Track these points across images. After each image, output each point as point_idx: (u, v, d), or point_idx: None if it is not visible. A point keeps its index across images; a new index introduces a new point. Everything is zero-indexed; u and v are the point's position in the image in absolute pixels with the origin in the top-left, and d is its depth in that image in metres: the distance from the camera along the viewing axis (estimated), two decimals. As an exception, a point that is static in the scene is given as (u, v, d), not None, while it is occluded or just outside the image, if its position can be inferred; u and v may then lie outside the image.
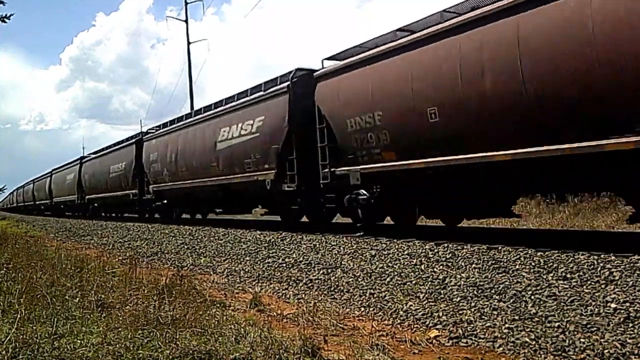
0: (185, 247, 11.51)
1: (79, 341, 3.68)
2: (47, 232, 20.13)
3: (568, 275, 5.83)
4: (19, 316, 4.02)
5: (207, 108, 17.22)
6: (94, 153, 31.79)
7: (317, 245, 9.55)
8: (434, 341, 4.31)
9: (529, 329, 4.31)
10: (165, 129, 20.30)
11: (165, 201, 20.64)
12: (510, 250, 7.24)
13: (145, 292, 5.33)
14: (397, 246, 8.57)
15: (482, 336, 4.30)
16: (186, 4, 35.02)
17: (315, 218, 13.85)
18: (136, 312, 4.34)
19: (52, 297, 4.93)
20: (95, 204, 30.41)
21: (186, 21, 35.09)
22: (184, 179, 17.87)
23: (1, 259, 7.85)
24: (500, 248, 7.44)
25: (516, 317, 4.66)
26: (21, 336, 3.58)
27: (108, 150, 27.61)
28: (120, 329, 3.96)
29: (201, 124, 17.03)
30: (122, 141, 25.96)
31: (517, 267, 6.43)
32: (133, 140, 23.59)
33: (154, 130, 22.11)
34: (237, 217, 19.67)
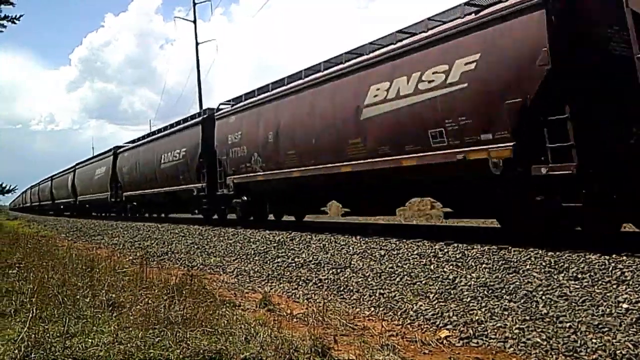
0: (195, 246, 11.54)
1: (90, 340, 3.70)
2: (58, 232, 20.25)
3: (579, 276, 5.79)
4: (30, 315, 4.05)
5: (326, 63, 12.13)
6: (131, 142, 26.71)
7: (327, 245, 9.55)
8: (445, 341, 4.29)
9: (540, 329, 4.28)
10: (254, 99, 14.72)
11: (247, 197, 15.65)
12: (520, 250, 7.20)
13: (156, 291, 5.34)
14: (406, 246, 8.55)
15: (492, 336, 4.28)
16: (194, 4, 35.11)
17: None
18: (147, 312, 4.36)
19: (64, 297, 4.97)
20: (134, 202, 25.41)
21: (194, 22, 35.18)
22: (290, 165, 12.71)
23: (13, 259, 7.92)
24: (510, 248, 7.41)
25: (527, 318, 4.64)
26: (33, 335, 3.60)
27: (158, 135, 22.38)
28: (131, 329, 3.98)
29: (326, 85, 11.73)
30: (178, 122, 20.57)
31: (527, 267, 6.40)
32: (199, 119, 18.17)
33: (228, 105, 16.58)
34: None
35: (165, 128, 21.94)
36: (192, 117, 19.13)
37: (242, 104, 15.29)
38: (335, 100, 11.10)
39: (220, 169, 16.41)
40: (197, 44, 34.66)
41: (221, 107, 16.92)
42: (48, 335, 3.73)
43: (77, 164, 36.45)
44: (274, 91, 13.68)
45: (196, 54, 34.57)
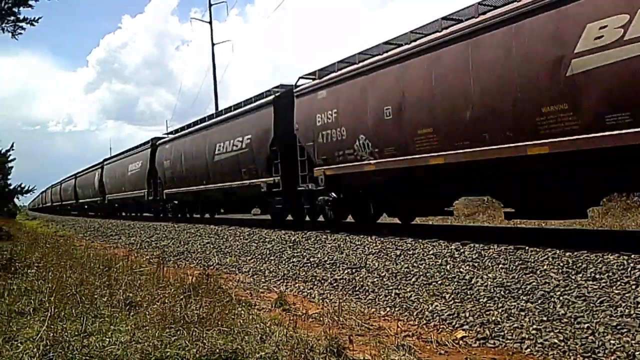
0: (211, 246, 11.60)
1: (107, 339, 3.73)
2: (76, 232, 20.48)
3: (597, 276, 5.73)
4: (49, 314, 4.09)
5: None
6: (174, 131, 23.17)
7: (342, 245, 9.55)
8: (461, 342, 4.28)
9: (557, 330, 4.25)
10: (356, 65, 11.07)
11: (342, 194, 12.19)
12: (537, 250, 7.14)
13: (172, 291, 5.38)
14: (422, 246, 8.51)
15: (509, 337, 4.26)
16: (210, 5, 35.23)
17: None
18: (163, 311, 4.39)
19: (81, 296, 5.02)
20: (176, 201, 22.31)
21: (210, 22, 35.32)
22: (422, 150, 9.25)
23: (32, 259, 8.02)
24: (527, 248, 7.34)
25: (544, 318, 4.60)
26: (51, 334, 3.64)
27: (210, 122, 18.61)
28: (147, 328, 4.01)
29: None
30: (238, 105, 16.68)
31: (545, 267, 6.34)
32: (269, 98, 14.35)
33: (309, 80, 12.87)
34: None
35: (219, 113, 18.65)
36: (259, 97, 15.42)
37: (335, 74, 11.75)
38: (516, 50, 7.54)
39: (302, 158, 12.94)
40: (212, 44, 34.79)
41: (301, 82, 13.33)
42: (66, 334, 3.77)
43: (106, 160, 33.40)
44: (394, 51, 10.14)
45: (212, 54, 34.70)
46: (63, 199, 50.20)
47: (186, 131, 20.81)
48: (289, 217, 15.87)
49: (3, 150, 15.89)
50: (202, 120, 19.82)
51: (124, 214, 32.26)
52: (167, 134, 24.56)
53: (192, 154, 19.45)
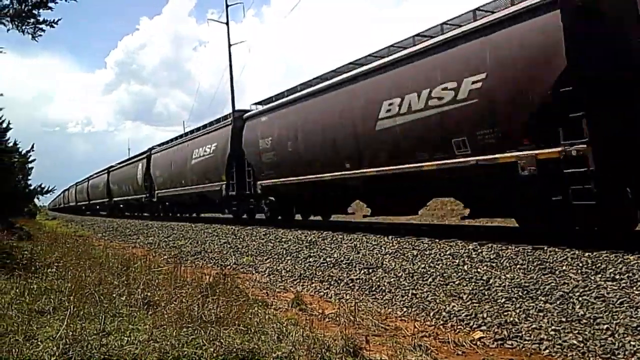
0: (228, 246, 11.64)
1: (126, 338, 3.76)
2: (95, 232, 20.68)
3: (617, 277, 5.66)
4: (68, 313, 4.14)
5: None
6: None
7: (358, 245, 9.53)
8: (478, 342, 4.25)
9: (576, 331, 4.21)
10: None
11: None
12: (556, 250, 7.07)
13: (190, 290, 5.42)
14: (439, 246, 8.47)
15: (527, 338, 4.22)
16: (227, 6, 35.30)
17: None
18: (181, 310, 4.42)
19: (100, 295, 5.07)
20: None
21: (227, 23, 35.37)
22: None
23: (52, 258, 8.11)
24: (545, 248, 7.27)
25: (563, 319, 4.56)
26: (71, 333, 3.68)
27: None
28: (165, 327, 4.04)
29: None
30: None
31: (563, 267, 6.28)
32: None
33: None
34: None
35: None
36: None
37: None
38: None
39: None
40: (229, 45, 34.82)
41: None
42: (85, 332, 3.81)
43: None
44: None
45: (229, 55, 34.76)
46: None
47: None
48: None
49: (23, 152, 16.13)
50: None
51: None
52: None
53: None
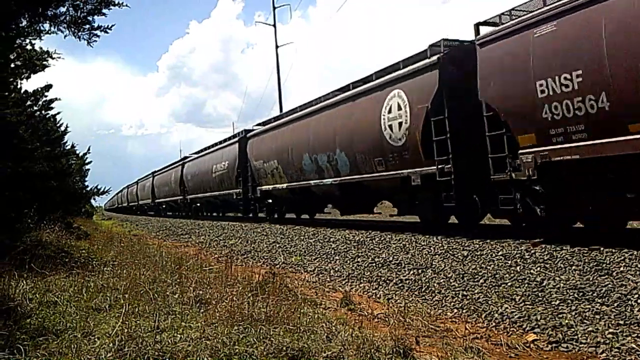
0: (277, 245, 11.75)
1: (178, 335, 3.83)
2: (149, 231, 21.21)
3: (680, 279, 5.43)
4: (124, 311, 4.25)
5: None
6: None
7: (407, 245, 9.46)
8: (532, 345, 4.15)
9: (635, 335, 4.05)
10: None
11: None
12: (613, 251, 6.84)
13: (240, 289, 5.47)
14: (490, 247, 8.32)
15: (583, 341, 4.09)
16: (274, 8, 35.68)
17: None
18: (232, 309, 4.47)
19: (154, 293, 5.18)
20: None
21: (274, 25, 35.76)
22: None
23: (108, 257, 8.36)
24: (602, 249, 7.05)
25: (621, 322, 4.40)
26: (126, 330, 3.78)
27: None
28: (217, 325, 4.09)
29: None
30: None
31: (621, 269, 6.06)
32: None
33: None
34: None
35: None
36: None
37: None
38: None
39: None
40: (276, 47, 35.23)
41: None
42: (140, 329, 3.90)
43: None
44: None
45: (276, 57, 35.16)
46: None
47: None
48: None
49: (80, 154, 16.71)
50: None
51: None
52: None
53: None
